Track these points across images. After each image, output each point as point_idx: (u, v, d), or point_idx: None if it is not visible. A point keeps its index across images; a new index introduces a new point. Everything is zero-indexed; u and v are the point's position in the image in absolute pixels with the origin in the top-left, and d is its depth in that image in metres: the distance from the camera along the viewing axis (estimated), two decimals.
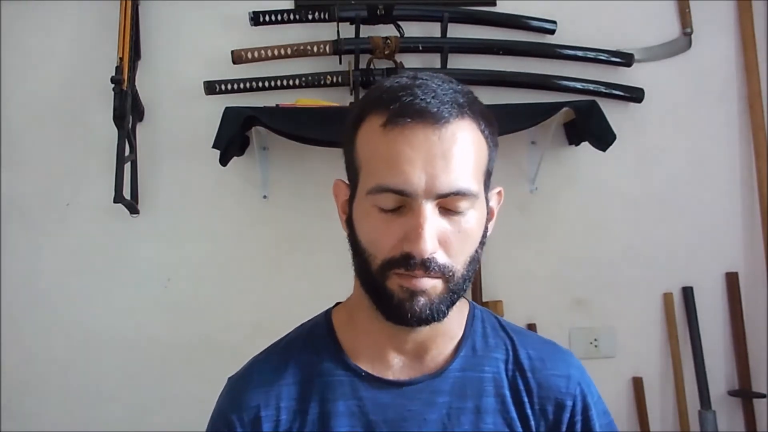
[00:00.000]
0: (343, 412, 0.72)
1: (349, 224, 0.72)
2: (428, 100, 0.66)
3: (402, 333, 0.73)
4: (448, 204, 0.66)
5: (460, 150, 0.66)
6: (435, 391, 0.73)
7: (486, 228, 0.72)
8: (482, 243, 0.71)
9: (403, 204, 0.66)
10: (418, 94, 0.66)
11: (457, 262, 0.67)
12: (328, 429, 0.72)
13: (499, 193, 0.77)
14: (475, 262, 0.69)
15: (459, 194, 0.65)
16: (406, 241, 0.65)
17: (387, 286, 0.67)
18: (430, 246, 0.64)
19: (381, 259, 0.67)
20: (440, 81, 0.69)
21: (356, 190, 0.71)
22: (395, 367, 0.74)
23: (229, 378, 0.79)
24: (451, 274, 0.67)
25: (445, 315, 0.69)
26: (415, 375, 0.74)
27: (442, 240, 0.66)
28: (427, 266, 0.65)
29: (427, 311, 0.67)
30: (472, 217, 0.68)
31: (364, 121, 0.69)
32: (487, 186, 0.72)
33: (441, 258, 0.66)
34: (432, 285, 0.66)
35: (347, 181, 0.74)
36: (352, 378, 0.74)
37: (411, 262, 0.65)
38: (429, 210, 0.65)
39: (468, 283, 0.70)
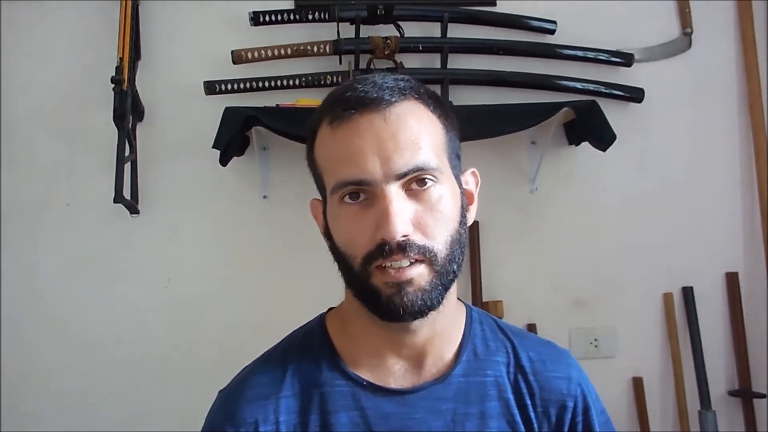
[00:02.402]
0: (346, 423, 0.70)
1: (327, 235, 0.72)
2: (368, 90, 0.66)
3: (399, 336, 0.71)
4: (412, 183, 0.65)
5: (408, 129, 0.65)
6: (439, 398, 0.72)
7: (464, 209, 0.71)
8: (463, 223, 0.69)
9: (368, 195, 0.65)
10: (358, 87, 0.67)
11: (437, 242, 0.65)
12: None
13: (473, 173, 0.76)
14: (458, 244, 0.68)
15: (418, 170, 0.64)
16: (378, 230, 0.64)
17: (372, 284, 0.66)
18: (400, 226, 0.63)
19: (360, 257, 0.65)
20: (383, 74, 0.70)
21: (326, 199, 0.71)
22: (397, 374, 0.73)
23: (221, 391, 0.76)
24: (433, 255, 0.65)
25: (439, 302, 0.67)
26: (417, 382, 0.72)
27: (416, 222, 0.65)
28: (404, 249, 0.63)
29: (419, 301, 0.65)
30: (441, 194, 0.66)
31: (317, 132, 0.70)
32: (454, 165, 0.71)
33: (418, 239, 0.64)
34: (417, 272, 0.65)
35: (321, 199, 0.74)
36: (353, 388, 0.72)
37: (387, 249, 0.63)
38: (393, 192, 0.64)
39: (456, 266, 0.68)
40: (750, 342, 1.79)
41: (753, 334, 1.80)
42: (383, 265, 0.64)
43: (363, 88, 0.66)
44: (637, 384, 1.77)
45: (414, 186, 0.65)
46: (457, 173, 0.72)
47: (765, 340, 1.80)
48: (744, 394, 1.78)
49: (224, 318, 1.71)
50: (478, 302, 1.70)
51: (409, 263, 0.64)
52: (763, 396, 1.77)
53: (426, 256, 0.65)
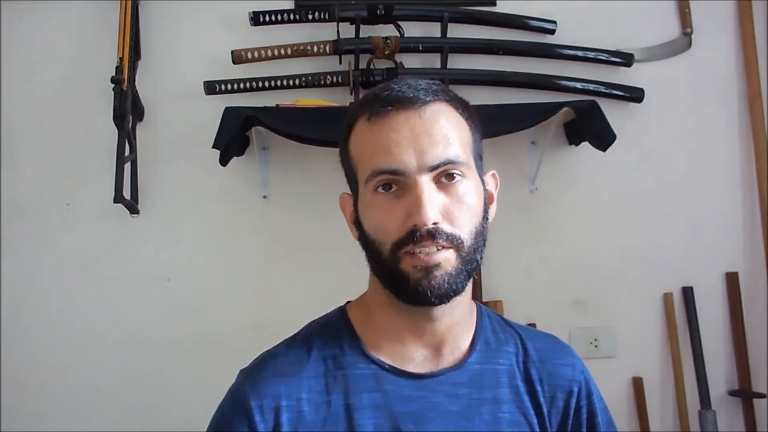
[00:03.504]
0: (368, 404, 0.73)
1: (358, 226, 0.75)
2: (404, 90, 0.72)
3: (422, 323, 0.75)
4: (442, 176, 0.70)
5: (441, 126, 0.70)
6: (456, 383, 0.75)
7: (487, 206, 0.75)
8: (485, 218, 0.74)
9: (401, 186, 0.69)
10: (395, 88, 0.72)
11: (463, 231, 0.70)
12: (353, 421, 0.72)
13: (493, 175, 0.80)
14: (481, 236, 0.72)
15: (449, 163, 0.69)
16: (409, 217, 0.68)
17: (401, 269, 0.69)
18: (431, 213, 0.67)
19: (390, 243, 0.69)
20: (415, 78, 0.76)
21: (357, 191, 0.75)
22: (416, 360, 0.76)
23: (242, 369, 0.78)
24: (460, 242, 0.69)
25: (463, 288, 0.71)
26: (435, 368, 0.76)
27: (444, 212, 0.69)
28: (434, 235, 0.67)
29: (446, 285, 0.69)
30: (468, 187, 0.71)
31: (354, 127, 0.75)
32: (478, 166, 0.75)
33: (447, 228, 0.68)
34: (444, 257, 0.68)
35: (350, 193, 0.78)
36: (376, 371, 0.75)
37: (418, 235, 0.67)
38: (425, 183, 0.68)
39: (479, 256, 0.72)
40: (750, 342, 1.79)
41: (753, 334, 1.80)
42: (412, 251, 0.68)
43: (400, 88, 0.72)
44: (637, 384, 1.77)
45: (443, 180, 0.70)
46: (481, 173, 0.76)
47: (765, 340, 1.80)
48: (744, 394, 1.78)
49: (224, 318, 1.71)
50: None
51: (437, 249, 0.68)
52: (763, 396, 1.77)
53: (453, 243, 0.69)
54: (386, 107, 0.70)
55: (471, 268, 0.71)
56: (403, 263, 0.69)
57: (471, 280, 0.73)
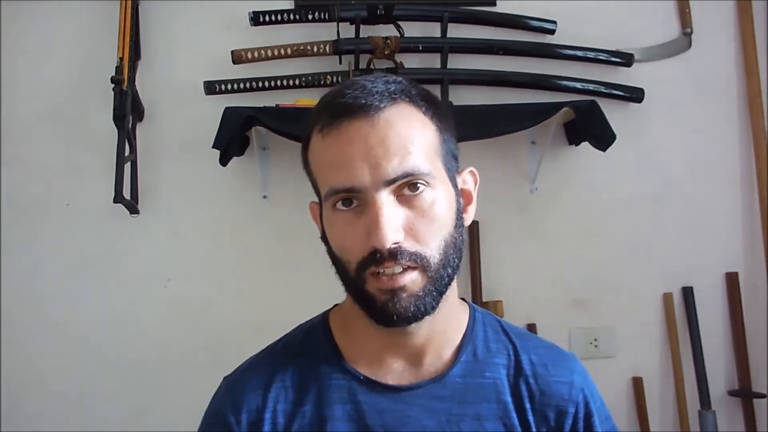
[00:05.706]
0: (340, 416, 0.71)
1: (325, 240, 0.72)
2: (357, 95, 0.65)
3: (397, 337, 0.71)
4: (403, 189, 0.65)
5: (397, 134, 0.65)
6: (435, 397, 0.72)
7: (460, 212, 0.70)
8: (458, 226, 0.69)
9: (360, 202, 0.65)
10: (347, 93, 0.66)
11: (430, 248, 0.65)
12: None
13: (471, 172, 0.75)
14: (452, 247, 0.67)
15: (408, 176, 0.64)
16: (369, 238, 0.64)
17: (367, 290, 0.66)
18: (390, 234, 0.62)
19: (355, 263, 0.66)
20: (374, 77, 0.69)
21: (321, 205, 0.71)
22: (394, 372, 0.73)
23: (225, 378, 0.78)
24: (425, 261, 0.65)
25: (433, 308, 0.67)
26: (414, 380, 0.73)
27: (408, 228, 0.64)
28: (395, 256, 0.63)
29: (413, 308, 0.65)
30: (434, 198, 0.66)
31: (311, 137, 0.70)
32: (449, 167, 0.70)
33: (410, 246, 0.64)
34: (411, 279, 0.65)
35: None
36: (350, 382, 0.73)
37: (378, 256, 0.63)
38: (383, 199, 0.63)
39: (450, 270, 0.67)
40: (750, 342, 1.79)
41: (753, 334, 1.80)
42: (377, 272, 0.65)
43: (352, 93, 0.66)
44: (637, 384, 1.77)
45: (405, 191, 0.65)
46: (453, 174, 0.71)
47: (765, 340, 1.80)
48: (744, 394, 1.78)
49: (224, 318, 1.71)
50: (478, 302, 1.70)
51: (401, 269, 0.64)
52: (763, 396, 1.77)
53: (418, 262, 0.65)
54: (337, 117, 0.65)
55: (442, 284, 0.67)
56: (369, 285, 0.66)
57: (446, 294, 0.69)
